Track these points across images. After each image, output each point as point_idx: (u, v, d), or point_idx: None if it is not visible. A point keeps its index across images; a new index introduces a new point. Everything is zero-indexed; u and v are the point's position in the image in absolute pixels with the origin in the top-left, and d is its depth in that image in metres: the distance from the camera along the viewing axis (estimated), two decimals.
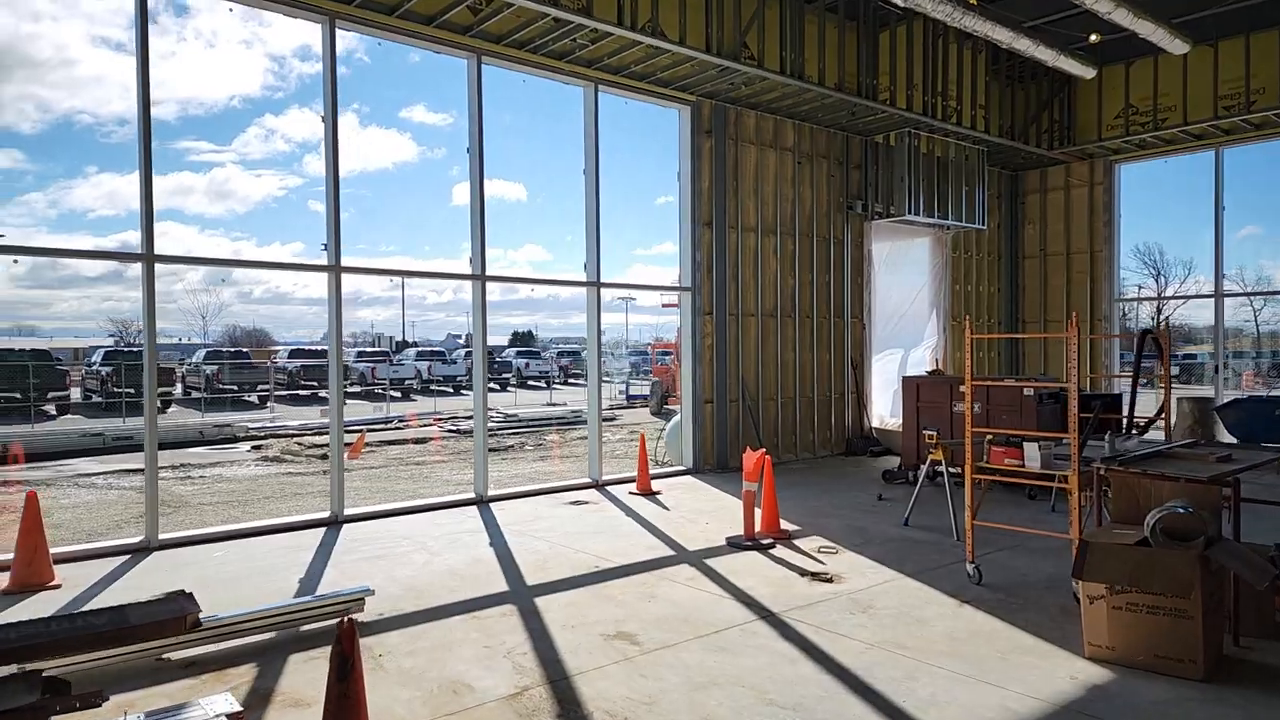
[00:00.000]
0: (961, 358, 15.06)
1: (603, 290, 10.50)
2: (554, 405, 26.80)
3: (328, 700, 2.88)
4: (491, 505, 9.15)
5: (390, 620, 5.34)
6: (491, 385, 36.32)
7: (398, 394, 32.12)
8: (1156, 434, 8.73)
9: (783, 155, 12.43)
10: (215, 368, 29.30)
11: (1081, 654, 4.68)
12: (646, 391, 28.83)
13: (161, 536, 7.41)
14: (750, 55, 10.43)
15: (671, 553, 7.10)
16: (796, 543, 7.39)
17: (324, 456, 15.21)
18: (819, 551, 7.08)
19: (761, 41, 10.53)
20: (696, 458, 11.45)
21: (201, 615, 4.84)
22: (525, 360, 40.95)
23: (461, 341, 52.22)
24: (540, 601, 5.74)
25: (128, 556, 7.02)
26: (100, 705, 3.44)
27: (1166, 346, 7.58)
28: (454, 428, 20.55)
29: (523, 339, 62.50)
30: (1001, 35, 10.58)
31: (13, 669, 3.16)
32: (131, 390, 24.05)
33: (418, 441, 18.36)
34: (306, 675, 4.45)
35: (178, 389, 28.89)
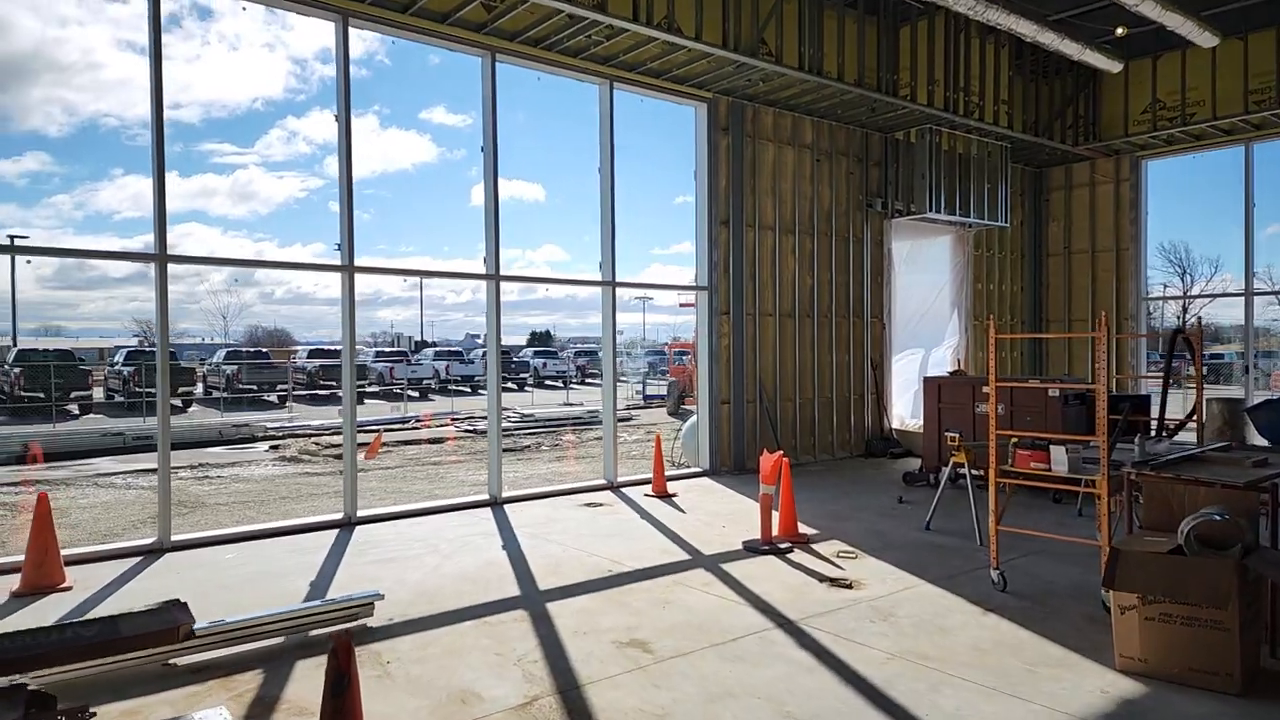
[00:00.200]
0: (984, 358, 14.85)
1: (618, 290, 10.39)
2: (571, 405, 26.72)
3: (323, 716, 2.78)
4: (505, 507, 9.07)
5: (400, 626, 5.25)
6: (509, 385, 36.43)
7: (415, 394, 32.19)
8: (1186, 436, 8.49)
9: (801, 152, 12.26)
10: (235, 368, 29.48)
11: (1112, 666, 4.50)
12: (663, 392, 28.70)
13: (174, 538, 7.37)
14: (768, 51, 10.27)
15: (687, 557, 6.97)
16: (815, 547, 7.24)
17: (340, 457, 15.21)
18: (838, 556, 6.93)
19: (779, 37, 10.37)
20: (713, 459, 11.31)
21: (209, 620, 4.79)
22: (542, 360, 40.95)
23: (480, 341, 52.34)
24: (552, 607, 5.63)
25: (140, 558, 6.98)
26: None
27: (1199, 346, 7.35)
28: (470, 428, 20.52)
29: (540, 339, 62.60)
30: (1026, 29, 10.36)
31: (2, 681, 3.09)
32: (153, 390, 24.22)
33: (433, 441, 18.35)
34: (313, 683, 4.35)
35: (199, 389, 29.11)
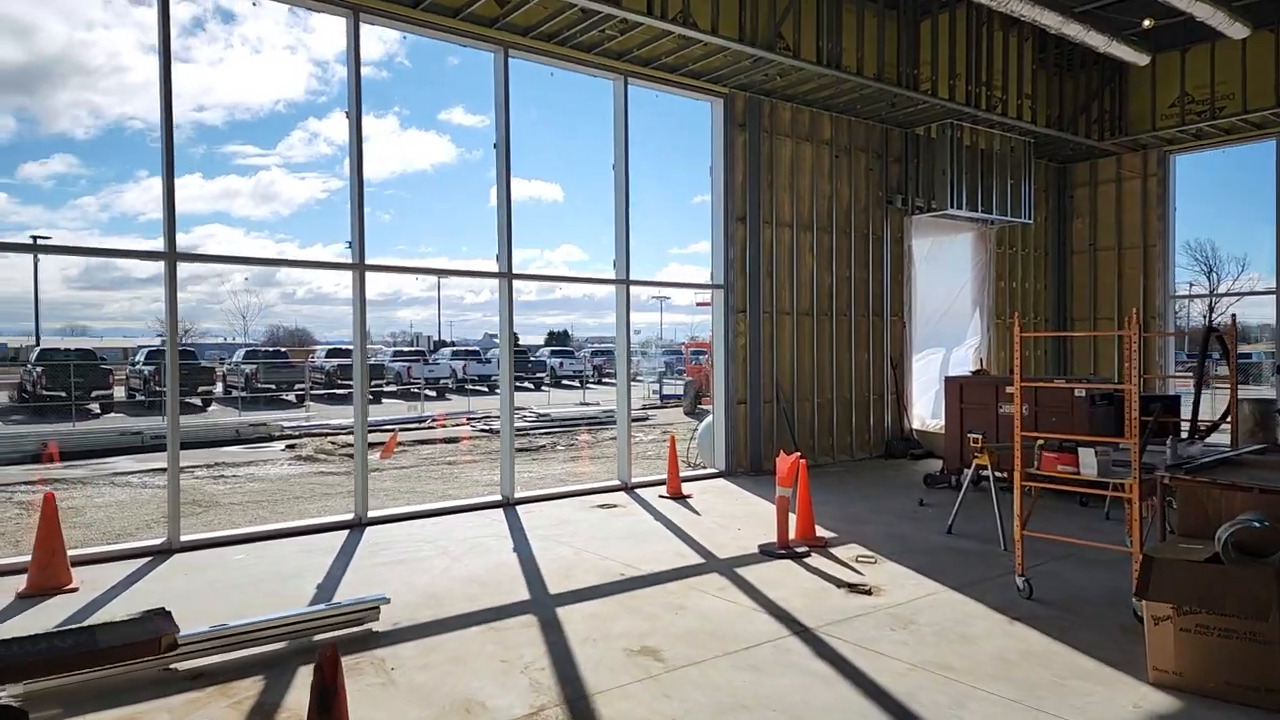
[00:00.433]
0: (1006, 357, 14.56)
1: (633, 289, 10.23)
2: (587, 405, 26.63)
3: None
4: (518, 508, 8.94)
5: (405, 630, 5.14)
6: (526, 384, 36.42)
7: (433, 393, 32.21)
8: (1217, 438, 8.22)
9: (819, 148, 12.06)
10: (254, 367, 29.62)
11: (1145, 679, 4.30)
12: (680, 391, 28.53)
13: (184, 538, 7.31)
14: (785, 45, 10.09)
15: (701, 560, 6.81)
16: (833, 551, 7.05)
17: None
18: (857, 561, 6.74)
19: (797, 31, 10.18)
20: (729, 460, 11.13)
21: (211, 624, 4.69)
22: (559, 359, 40.95)
23: (498, 341, 52.39)
24: (562, 612, 5.49)
25: (149, 559, 6.92)
26: None
27: (1233, 345, 7.10)
28: (486, 427, 20.45)
29: (558, 338, 62.66)
30: (1050, 20, 10.10)
31: None
32: None
33: (448, 441, 18.29)
34: None
35: (218, 388, 29.27)
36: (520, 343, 53.28)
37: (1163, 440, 6.07)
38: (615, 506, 9.07)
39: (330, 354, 33.02)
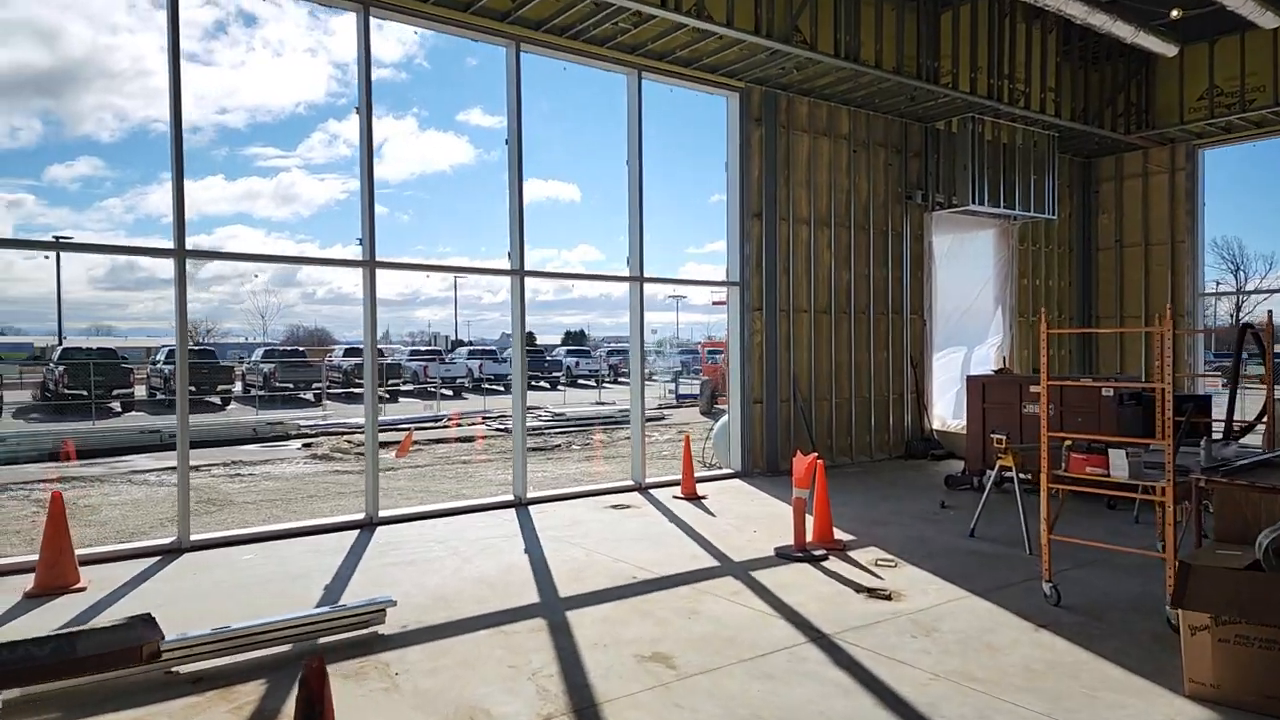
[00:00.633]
0: (1030, 355, 14.28)
1: (648, 287, 10.08)
2: (602, 404, 26.52)
3: None
4: (530, 508, 8.83)
5: (413, 634, 5.02)
6: (542, 384, 36.38)
7: (449, 392, 32.22)
8: (1250, 440, 7.96)
9: (837, 143, 11.85)
10: (272, 366, 29.75)
11: (1180, 691, 4.10)
12: (696, 391, 28.34)
13: (194, 538, 7.25)
14: (802, 38, 9.90)
15: (715, 563, 6.65)
16: (851, 554, 6.87)
17: None
18: (876, 565, 6.56)
19: (814, 23, 9.99)
20: (745, 460, 10.96)
21: (213, 626, 4.60)
22: (575, 359, 40.86)
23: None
24: (572, 616, 5.36)
25: (159, 558, 6.86)
26: None
27: (1270, 343, 6.84)
28: (501, 426, 20.38)
29: (575, 338, 62.63)
30: (1076, 10, 9.84)
31: None
32: (193, 388, 24.50)
33: (464, 440, 18.23)
34: None
35: (238, 387, 29.42)
36: (536, 342, 53.30)
37: (1194, 441, 5.85)
38: (629, 507, 8.93)
39: (348, 353, 33.15)
